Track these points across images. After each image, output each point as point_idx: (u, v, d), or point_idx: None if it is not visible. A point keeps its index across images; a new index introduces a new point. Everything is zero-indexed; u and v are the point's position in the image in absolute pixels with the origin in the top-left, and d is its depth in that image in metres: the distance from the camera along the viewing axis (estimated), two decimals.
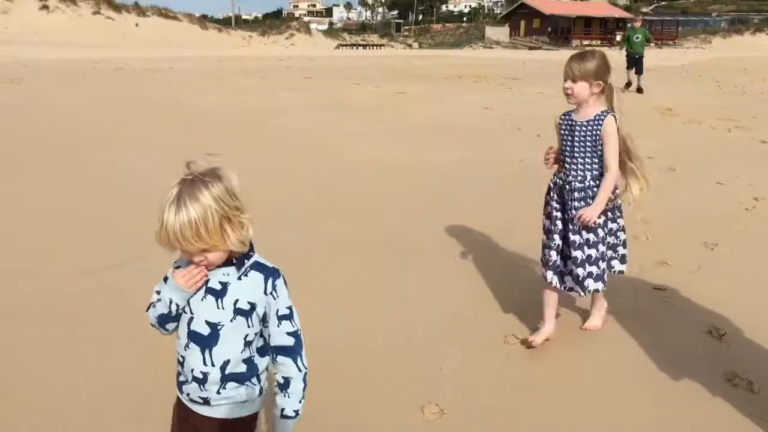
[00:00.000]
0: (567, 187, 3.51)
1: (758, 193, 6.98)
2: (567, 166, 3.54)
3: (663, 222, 5.96)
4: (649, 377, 3.38)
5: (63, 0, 47.52)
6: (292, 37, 60.46)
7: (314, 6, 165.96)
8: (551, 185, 3.65)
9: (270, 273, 2.01)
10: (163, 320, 2.01)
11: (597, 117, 3.44)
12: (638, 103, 14.11)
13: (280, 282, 2.02)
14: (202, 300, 1.97)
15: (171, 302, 1.97)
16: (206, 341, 1.98)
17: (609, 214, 3.61)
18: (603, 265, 3.57)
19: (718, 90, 17.66)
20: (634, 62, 16.70)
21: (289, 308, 2.04)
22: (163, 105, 12.36)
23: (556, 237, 3.57)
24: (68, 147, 8.62)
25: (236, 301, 1.97)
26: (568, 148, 3.54)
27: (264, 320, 2.02)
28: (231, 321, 1.97)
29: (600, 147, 3.44)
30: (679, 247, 5.35)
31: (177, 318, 2.01)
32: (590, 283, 3.53)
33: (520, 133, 10.71)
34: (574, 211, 3.48)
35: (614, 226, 3.66)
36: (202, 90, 14.67)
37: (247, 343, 2.01)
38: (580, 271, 3.51)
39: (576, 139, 3.48)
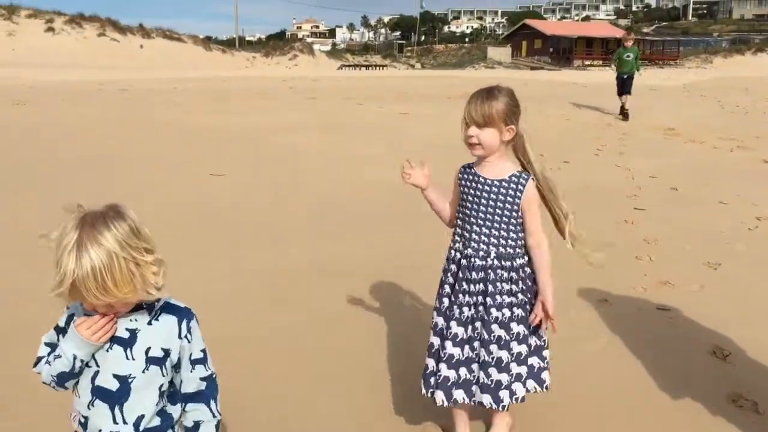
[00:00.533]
0: (464, 262, 2.72)
1: (761, 212, 6.98)
2: (466, 234, 2.73)
3: (665, 242, 5.97)
4: (652, 398, 3.36)
5: (68, 22, 47.94)
6: (296, 58, 60.81)
7: (317, 27, 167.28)
8: (447, 260, 2.85)
9: (183, 314, 1.83)
10: (64, 379, 1.75)
11: (513, 178, 2.65)
12: (640, 123, 14.14)
13: (194, 323, 1.85)
14: (107, 351, 1.74)
15: (75, 359, 1.71)
16: (116, 397, 1.75)
17: (515, 287, 2.71)
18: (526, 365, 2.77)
19: (720, 110, 17.70)
20: (623, 83, 15.18)
21: (203, 351, 1.87)
22: (167, 125, 12.42)
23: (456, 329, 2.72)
24: (70, 168, 8.65)
25: (148, 349, 1.76)
26: (468, 212, 2.73)
27: (176, 366, 1.82)
28: (143, 372, 1.76)
29: (514, 217, 2.66)
30: (682, 267, 5.34)
31: (79, 374, 1.76)
32: (517, 389, 2.73)
33: None
34: (462, 296, 2.71)
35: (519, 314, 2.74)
36: (205, 110, 14.75)
37: (162, 394, 1.81)
38: (496, 375, 2.67)
39: (483, 202, 2.68)
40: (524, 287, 2.72)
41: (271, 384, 3.42)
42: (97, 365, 1.75)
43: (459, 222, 2.79)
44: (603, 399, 3.38)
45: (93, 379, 1.76)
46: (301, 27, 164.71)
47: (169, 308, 1.82)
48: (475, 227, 2.70)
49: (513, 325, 2.68)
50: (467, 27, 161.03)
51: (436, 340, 2.77)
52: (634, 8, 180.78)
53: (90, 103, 15.39)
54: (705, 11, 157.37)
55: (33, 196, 7.20)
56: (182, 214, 6.61)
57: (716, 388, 3.43)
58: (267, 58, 60.26)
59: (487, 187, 2.67)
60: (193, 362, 1.84)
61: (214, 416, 1.89)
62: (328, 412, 3.21)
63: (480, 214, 2.69)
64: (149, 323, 1.78)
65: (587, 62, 65.09)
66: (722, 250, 5.76)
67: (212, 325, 4.13)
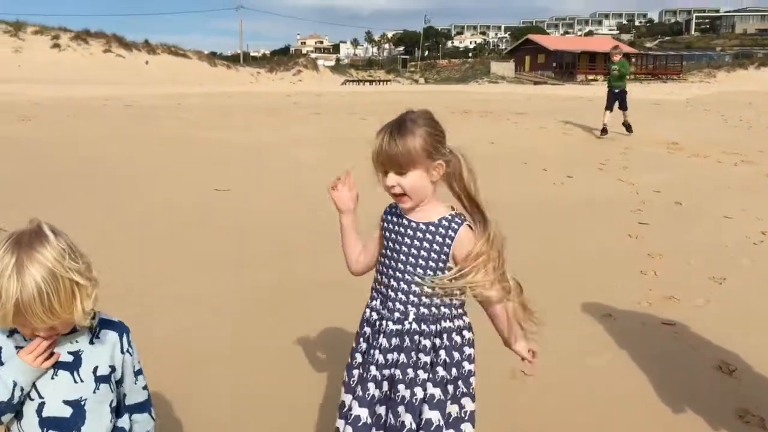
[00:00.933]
0: (377, 325, 2.17)
1: (766, 226, 6.96)
2: (383, 290, 2.18)
3: (670, 256, 5.95)
4: (659, 414, 3.34)
5: (74, 39, 48.33)
6: (300, 74, 61.16)
7: (321, 42, 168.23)
8: (361, 322, 2.28)
9: (122, 328, 1.81)
10: (0, 411, 1.65)
11: (444, 221, 2.11)
12: (643, 138, 14.15)
13: (131, 336, 1.83)
14: (52, 378, 1.68)
15: (15, 386, 1.62)
16: (71, 424, 1.70)
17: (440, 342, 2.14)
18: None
19: (724, 124, 17.70)
20: (615, 98, 14.19)
21: (140, 361, 1.87)
22: (171, 141, 12.47)
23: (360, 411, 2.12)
24: (75, 183, 8.69)
25: (96, 369, 1.73)
26: (388, 261, 2.18)
27: (119, 381, 1.81)
28: (94, 392, 1.73)
29: (441, 269, 2.09)
30: (687, 281, 5.33)
31: (18, 405, 1.67)
32: None
33: (525, 167, 10.76)
34: (370, 369, 2.13)
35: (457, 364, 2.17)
36: (210, 126, 14.81)
37: (113, 410, 1.79)
38: None
39: (405, 250, 2.13)
40: (447, 359, 2.11)
41: (273, 395, 3.42)
42: (41, 396, 1.69)
43: (377, 275, 2.24)
44: (607, 414, 3.36)
45: (39, 411, 1.69)
46: (305, 43, 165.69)
47: (106, 324, 1.78)
48: (393, 281, 2.14)
49: (425, 408, 2.06)
50: (471, 42, 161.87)
51: (341, 424, 2.17)
52: (636, 23, 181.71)
53: (95, 119, 15.47)
54: (708, 26, 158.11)
55: (36, 212, 7.22)
56: (186, 228, 6.62)
57: (722, 404, 3.41)
58: (271, 73, 60.61)
59: (410, 231, 2.14)
60: (136, 374, 1.85)
61: (154, 419, 1.93)
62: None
63: (399, 265, 2.13)
64: (91, 342, 1.74)
65: (590, 77, 65.32)
66: (727, 265, 5.74)
67: (216, 337, 4.13)
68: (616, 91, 14.23)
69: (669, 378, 3.69)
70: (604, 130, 14.11)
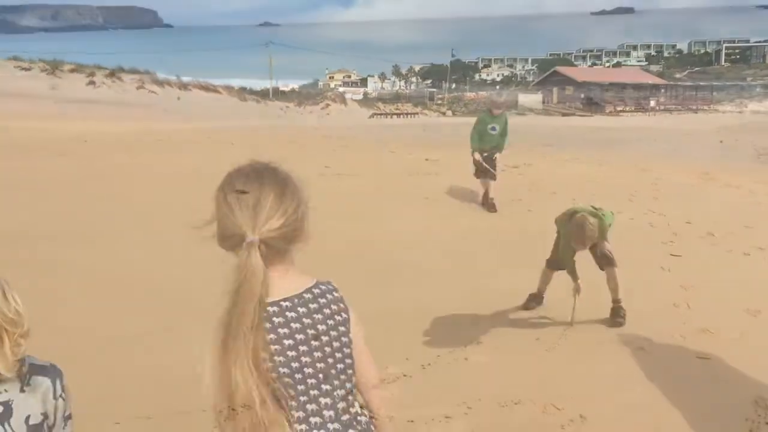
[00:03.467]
0: None
1: None
2: None
3: (703, 288, 5.86)
4: None
5: (109, 76, 49.60)
6: (328, 107, 61.77)
7: (349, 77, 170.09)
8: None
9: (54, 373, 1.75)
10: None
11: None
12: (674, 168, 14.02)
13: (65, 380, 1.77)
14: None
15: None
16: None
17: None
18: None
19: (756, 153, 17.49)
20: (488, 164, 10.00)
21: (70, 406, 1.81)
22: (203, 175, 12.65)
23: None
24: (113, 218, 8.84)
25: (28, 418, 1.66)
26: None
27: (52, 425, 1.74)
28: None
29: None
30: (721, 314, 5.24)
31: None
32: None
33: (554, 196, 10.71)
34: None
35: None
36: (239, 160, 15.01)
37: None
38: None
39: None
40: None
41: None
42: None
43: None
44: None
45: None
46: (333, 77, 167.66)
47: (37, 370, 1.72)
48: None
49: None
50: (498, 75, 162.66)
51: None
52: (665, 54, 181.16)
53: (130, 154, 15.78)
54: (738, 56, 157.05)
55: (73, 247, 7.36)
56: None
57: None
58: (300, 107, 61.35)
59: None
60: (66, 419, 1.79)
61: None
62: None
63: None
64: (22, 390, 1.66)
65: (619, 108, 65.17)
66: (762, 297, 5.63)
67: None
68: (485, 155, 10.15)
69: (704, 413, 3.61)
70: (492, 205, 9.85)
